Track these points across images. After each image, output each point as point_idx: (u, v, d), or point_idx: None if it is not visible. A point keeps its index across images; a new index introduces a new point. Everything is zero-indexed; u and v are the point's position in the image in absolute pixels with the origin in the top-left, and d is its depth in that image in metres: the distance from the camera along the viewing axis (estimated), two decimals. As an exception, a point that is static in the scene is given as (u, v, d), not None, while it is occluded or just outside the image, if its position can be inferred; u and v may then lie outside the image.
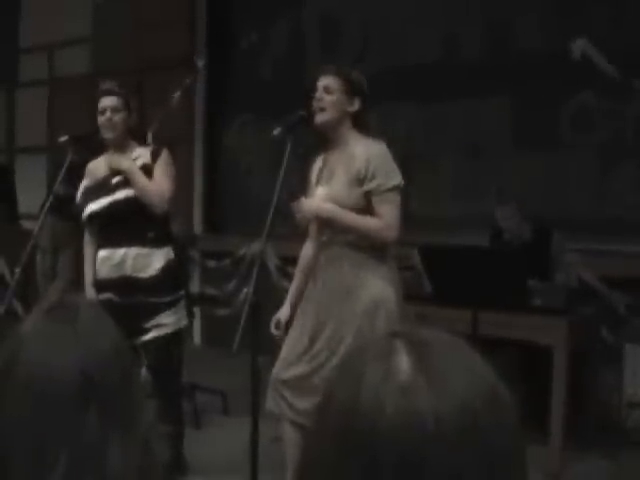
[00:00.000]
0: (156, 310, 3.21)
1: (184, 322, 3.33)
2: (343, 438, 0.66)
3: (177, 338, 3.31)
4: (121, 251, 3.24)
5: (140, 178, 3.21)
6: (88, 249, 3.41)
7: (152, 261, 3.24)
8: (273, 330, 3.05)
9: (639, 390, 4.35)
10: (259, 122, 6.30)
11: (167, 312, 3.24)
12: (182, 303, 3.32)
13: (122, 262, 3.23)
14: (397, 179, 2.83)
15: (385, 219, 2.80)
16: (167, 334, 3.23)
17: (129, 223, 3.23)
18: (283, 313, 3.08)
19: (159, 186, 3.23)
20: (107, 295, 3.27)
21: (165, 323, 3.23)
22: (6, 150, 8.50)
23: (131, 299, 3.19)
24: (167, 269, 3.27)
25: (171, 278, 3.29)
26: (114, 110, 3.26)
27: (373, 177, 2.80)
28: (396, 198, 2.84)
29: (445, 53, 5.54)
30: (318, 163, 3.04)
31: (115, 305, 3.19)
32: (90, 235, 3.40)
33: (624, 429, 4.23)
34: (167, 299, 3.25)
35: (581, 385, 4.09)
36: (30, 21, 8.08)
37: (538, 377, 3.91)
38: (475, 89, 5.30)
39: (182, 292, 3.35)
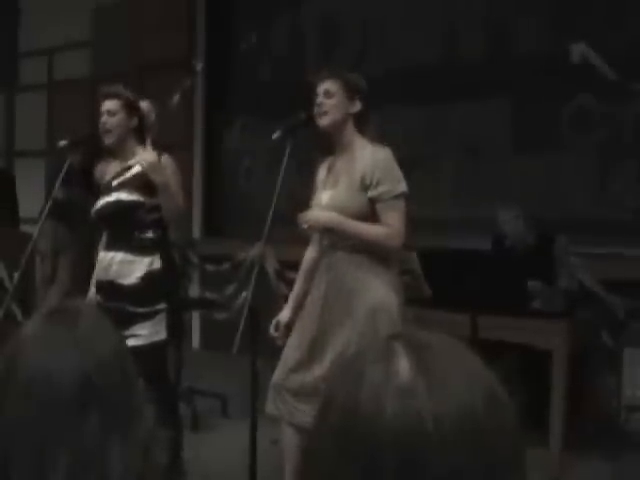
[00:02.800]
0: (131, 320, 3.12)
1: (161, 336, 3.19)
2: (343, 440, 0.67)
3: (156, 350, 3.19)
4: (110, 254, 3.22)
5: (169, 196, 3.20)
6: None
7: (134, 269, 3.17)
8: (272, 332, 3.04)
9: (638, 393, 4.35)
10: (259, 124, 6.30)
11: (142, 324, 3.14)
12: (161, 316, 3.19)
13: (109, 266, 3.20)
14: (402, 186, 2.82)
15: (390, 227, 2.79)
16: (142, 345, 3.10)
17: (118, 227, 3.21)
18: (283, 315, 3.07)
19: (178, 204, 3.25)
20: (97, 297, 3.26)
21: (139, 334, 3.12)
22: (5, 154, 8.51)
23: (112, 304, 3.14)
24: (147, 279, 3.18)
25: (151, 289, 3.18)
26: (109, 114, 3.25)
27: (378, 184, 2.78)
28: (401, 205, 2.82)
29: (445, 55, 5.55)
30: (324, 167, 3.04)
31: (102, 308, 3.17)
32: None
33: (623, 432, 4.24)
34: (143, 310, 3.15)
35: (580, 388, 4.09)
36: (30, 24, 8.10)
37: (538, 380, 3.91)
38: (475, 91, 5.31)
39: (162, 305, 3.20)
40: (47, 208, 3.50)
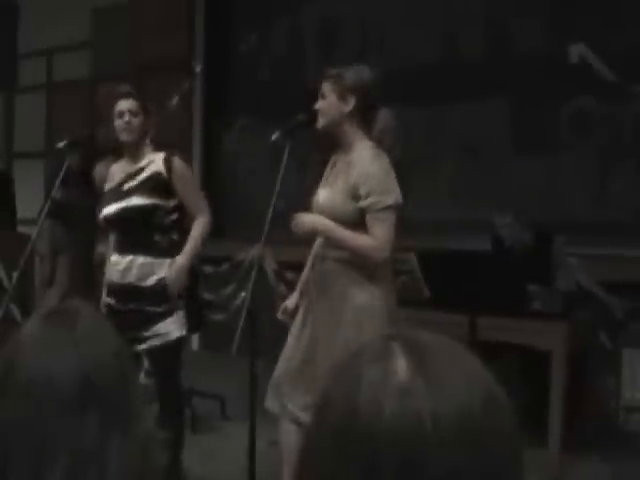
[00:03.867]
0: (153, 319, 3.16)
1: (182, 332, 3.23)
2: (342, 440, 0.67)
3: (176, 347, 3.23)
4: (128, 258, 3.21)
5: (201, 243, 3.30)
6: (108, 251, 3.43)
7: (156, 270, 3.19)
8: (280, 316, 3.10)
9: (637, 394, 4.35)
10: (258, 126, 6.30)
11: (163, 322, 3.18)
12: (181, 313, 3.22)
13: (128, 269, 3.20)
14: (393, 198, 2.78)
15: (377, 239, 2.76)
16: (164, 343, 3.16)
17: (137, 231, 3.21)
18: (291, 301, 3.12)
19: (206, 218, 3.31)
20: (108, 300, 3.26)
21: (161, 333, 3.17)
22: (4, 155, 8.51)
23: (130, 306, 3.17)
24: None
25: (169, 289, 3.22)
26: (132, 113, 3.24)
27: (368, 195, 2.76)
28: (390, 217, 2.78)
29: (444, 55, 5.55)
30: (330, 164, 3.05)
31: (114, 311, 3.19)
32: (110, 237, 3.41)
33: (622, 432, 4.24)
34: (163, 309, 3.18)
35: (579, 389, 4.09)
36: (29, 26, 8.09)
37: (537, 381, 3.91)
38: (474, 92, 5.30)
39: (181, 302, 3.24)
40: (46, 209, 3.50)
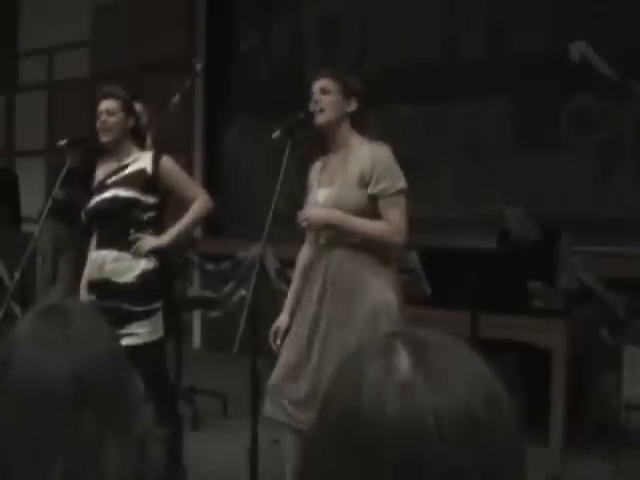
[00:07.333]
0: (129, 318, 3.11)
1: (159, 334, 3.19)
2: (343, 437, 0.67)
3: (153, 349, 3.18)
4: (103, 253, 3.20)
5: (192, 223, 3.31)
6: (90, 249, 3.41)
7: (130, 267, 3.16)
8: (271, 342, 3.00)
9: (638, 392, 4.35)
10: (259, 124, 6.31)
11: (140, 322, 3.14)
12: (158, 315, 3.19)
13: (103, 265, 3.19)
14: (402, 182, 2.82)
15: (393, 223, 2.78)
16: (139, 344, 3.10)
17: (113, 225, 3.20)
18: (282, 321, 3.04)
19: (203, 201, 3.30)
20: (91, 297, 3.25)
21: (137, 333, 3.12)
22: (6, 153, 8.51)
23: (108, 303, 3.12)
24: (144, 277, 3.17)
25: (147, 287, 3.18)
26: (108, 113, 3.26)
27: (379, 181, 2.78)
28: (403, 201, 2.82)
29: (445, 54, 5.54)
30: (317, 166, 3.03)
31: (96, 308, 3.16)
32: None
33: (623, 430, 4.23)
34: (140, 309, 3.14)
35: (580, 386, 4.09)
36: (30, 25, 8.10)
37: (538, 379, 3.91)
38: (475, 90, 5.30)
39: (158, 304, 3.20)
40: (47, 208, 3.51)
